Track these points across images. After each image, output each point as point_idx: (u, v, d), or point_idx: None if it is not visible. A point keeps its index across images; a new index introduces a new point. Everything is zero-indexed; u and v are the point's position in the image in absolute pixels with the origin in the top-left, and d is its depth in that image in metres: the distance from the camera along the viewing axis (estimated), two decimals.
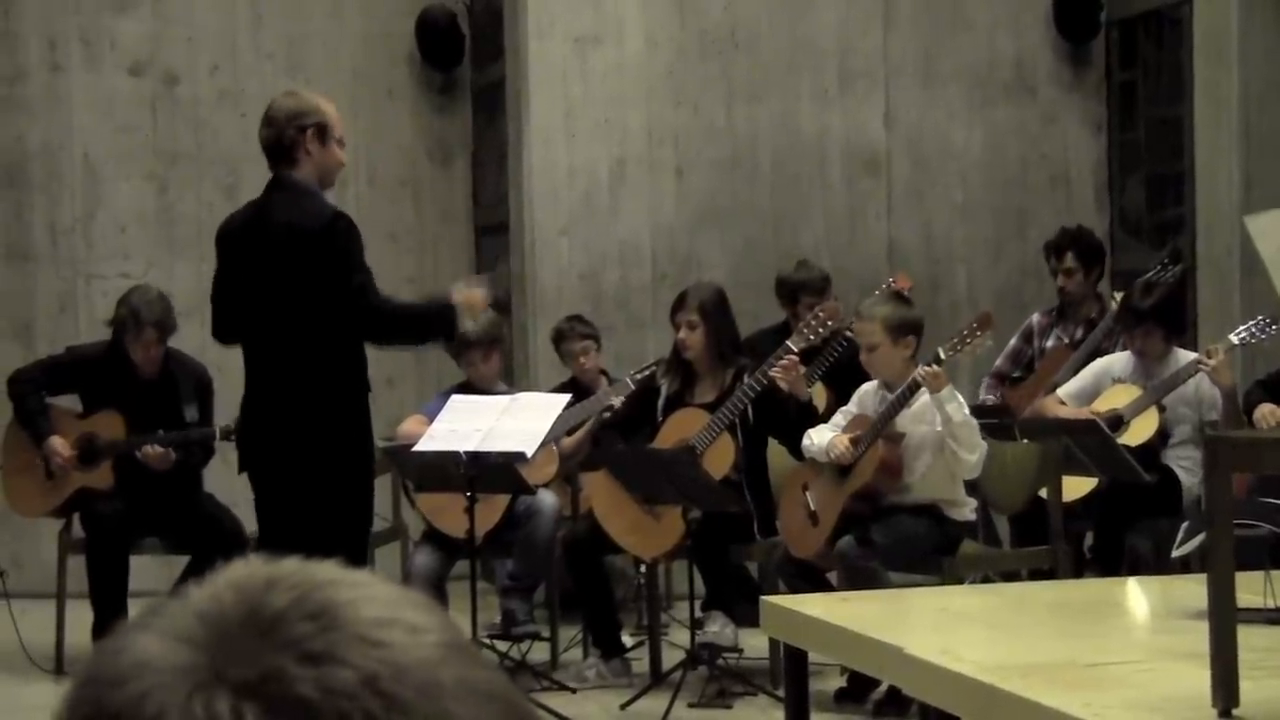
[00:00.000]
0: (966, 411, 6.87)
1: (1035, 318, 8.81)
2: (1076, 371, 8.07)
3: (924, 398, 6.84)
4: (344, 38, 10.49)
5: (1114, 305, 8.39)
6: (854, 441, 6.91)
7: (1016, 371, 8.75)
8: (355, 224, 6.07)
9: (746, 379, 7.39)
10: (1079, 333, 8.61)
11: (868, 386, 7.14)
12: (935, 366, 6.77)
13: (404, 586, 0.94)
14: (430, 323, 6.31)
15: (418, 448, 7.14)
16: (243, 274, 6.17)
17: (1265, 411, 7.19)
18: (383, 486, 7.10)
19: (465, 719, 0.88)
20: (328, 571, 0.92)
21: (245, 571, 0.92)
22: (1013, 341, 8.76)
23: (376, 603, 0.90)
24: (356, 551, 6.12)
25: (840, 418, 7.13)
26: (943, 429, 6.79)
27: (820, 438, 7.02)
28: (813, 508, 7.02)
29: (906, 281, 8.22)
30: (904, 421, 6.93)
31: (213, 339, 6.48)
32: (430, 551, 7.78)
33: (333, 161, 6.15)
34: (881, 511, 6.91)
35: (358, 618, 0.89)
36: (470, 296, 6.28)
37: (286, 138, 6.08)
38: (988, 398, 8.64)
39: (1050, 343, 8.69)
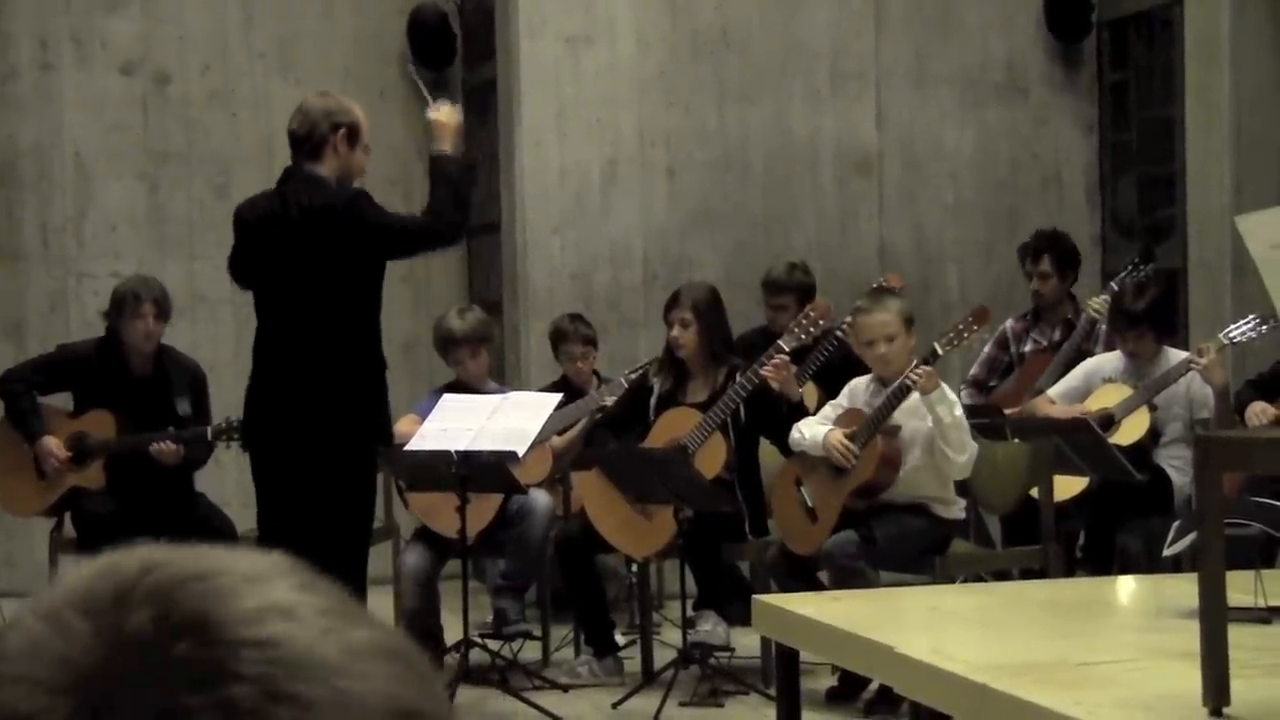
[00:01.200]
0: (958, 412, 6.85)
1: (1009, 323, 8.77)
2: (1060, 375, 8.07)
3: (916, 396, 6.83)
4: (335, 37, 10.49)
5: (1090, 309, 8.38)
6: (850, 437, 6.90)
7: (993, 380, 8.72)
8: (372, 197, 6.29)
9: (738, 378, 7.40)
10: (1056, 334, 8.60)
11: (859, 380, 7.13)
12: (926, 367, 6.76)
13: (277, 554, 0.88)
14: (455, 189, 6.39)
15: (409, 447, 7.14)
16: (262, 257, 6.32)
17: (1256, 410, 7.20)
18: None
19: (361, 691, 0.82)
20: (167, 565, 0.85)
21: (82, 587, 0.84)
22: (987, 349, 8.72)
23: (239, 592, 0.83)
24: (360, 538, 6.25)
25: (830, 410, 7.12)
26: (933, 428, 6.79)
27: (811, 431, 7.00)
28: (810, 504, 7.01)
29: (898, 282, 8.21)
30: (898, 414, 6.92)
31: (229, 274, 6.62)
32: (421, 550, 7.77)
33: (356, 166, 6.32)
34: (874, 510, 6.91)
35: (231, 619, 0.82)
36: (441, 120, 6.42)
37: (318, 132, 6.22)
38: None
39: (1028, 347, 8.67)
